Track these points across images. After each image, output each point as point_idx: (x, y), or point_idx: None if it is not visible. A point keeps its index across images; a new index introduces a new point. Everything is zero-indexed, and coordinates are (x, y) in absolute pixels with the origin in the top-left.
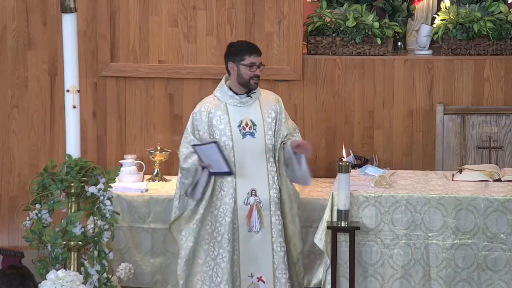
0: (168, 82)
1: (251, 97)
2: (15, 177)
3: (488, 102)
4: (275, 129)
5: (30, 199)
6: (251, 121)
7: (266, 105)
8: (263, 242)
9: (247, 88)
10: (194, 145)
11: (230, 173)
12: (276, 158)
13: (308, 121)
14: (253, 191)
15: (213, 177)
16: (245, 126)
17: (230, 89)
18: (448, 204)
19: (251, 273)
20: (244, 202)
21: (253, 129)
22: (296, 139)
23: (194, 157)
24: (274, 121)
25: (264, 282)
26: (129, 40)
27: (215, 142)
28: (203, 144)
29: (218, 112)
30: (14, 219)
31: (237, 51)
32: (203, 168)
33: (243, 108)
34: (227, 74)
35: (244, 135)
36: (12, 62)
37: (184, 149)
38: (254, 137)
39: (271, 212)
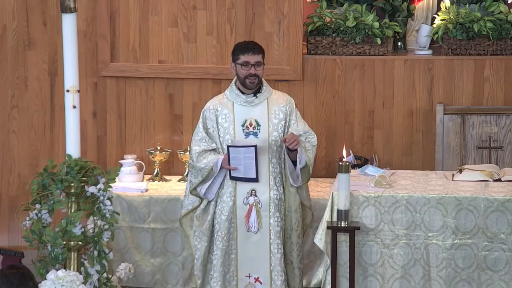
0: (168, 82)
1: (257, 96)
2: (15, 177)
3: (488, 102)
4: (283, 130)
5: (30, 199)
6: (255, 121)
7: (275, 106)
8: (261, 242)
9: (245, 87)
10: (230, 146)
11: (256, 179)
12: (282, 159)
13: (308, 121)
14: (253, 191)
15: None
16: (248, 126)
17: (239, 88)
18: (448, 204)
19: (249, 274)
20: (243, 202)
21: (257, 129)
22: (304, 142)
23: (210, 157)
24: (282, 122)
25: (261, 283)
26: (129, 40)
27: (255, 146)
28: (241, 147)
29: (225, 111)
30: (14, 219)
31: (234, 51)
32: (221, 169)
33: (248, 108)
34: None
35: (247, 134)
36: (12, 62)
37: (196, 147)
38: (257, 137)
39: (270, 214)
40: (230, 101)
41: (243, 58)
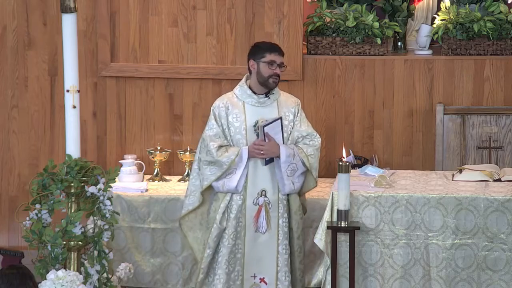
0: (168, 82)
1: (269, 97)
2: (15, 177)
3: (488, 102)
4: (290, 131)
5: (30, 199)
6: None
7: (285, 107)
8: (269, 243)
9: (266, 87)
10: (264, 126)
11: None
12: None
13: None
14: (263, 192)
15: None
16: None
17: (250, 88)
18: (448, 204)
19: (254, 274)
20: (253, 202)
21: None
22: (303, 146)
23: (230, 150)
24: (292, 123)
25: (266, 284)
26: (129, 40)
27: (280, 118)
28: (271, 123)
29: (235, 110)
30: (14, 219)
31: (258, 49)
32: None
33: (260, 108)
34: (248, 74)
35: (258, 135)
36: (12, 62)
37: (213, 142)
38: None
39: (279, 214)
40: (241, 100)
41: (269, 57)
